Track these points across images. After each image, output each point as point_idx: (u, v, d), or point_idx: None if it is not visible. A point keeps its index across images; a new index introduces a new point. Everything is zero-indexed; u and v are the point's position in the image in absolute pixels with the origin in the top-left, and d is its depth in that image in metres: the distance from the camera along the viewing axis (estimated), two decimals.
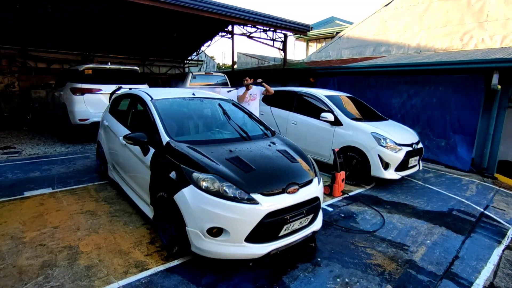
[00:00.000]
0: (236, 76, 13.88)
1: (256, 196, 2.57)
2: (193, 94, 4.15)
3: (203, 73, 11.22)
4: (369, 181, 5.32)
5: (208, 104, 4.19)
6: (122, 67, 8.27)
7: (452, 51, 9.10)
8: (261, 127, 3.94)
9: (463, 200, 4.87)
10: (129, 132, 3.67)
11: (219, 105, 4.04)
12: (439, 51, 9.48)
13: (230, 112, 3.94)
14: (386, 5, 10.98)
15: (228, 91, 6.71)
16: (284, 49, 12.77)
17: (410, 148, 5.19)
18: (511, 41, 8.12)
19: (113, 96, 5.06)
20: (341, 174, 4.72)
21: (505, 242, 3.59)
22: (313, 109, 6.07)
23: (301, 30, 11.90)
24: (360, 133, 5.27)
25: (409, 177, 5.82)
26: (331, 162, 5.66)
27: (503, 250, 3.40)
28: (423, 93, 7.32)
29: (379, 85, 8.15)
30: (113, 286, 2.46)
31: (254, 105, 5.92)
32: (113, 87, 5.70)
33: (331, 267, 2.87)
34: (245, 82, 5.86)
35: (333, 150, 4.85)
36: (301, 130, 6.22)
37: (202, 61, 20.03)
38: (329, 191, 4.75)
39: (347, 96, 6.55)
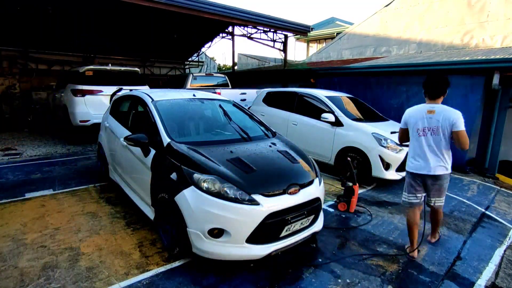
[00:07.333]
0: (237, 77, 13.93)
1: (257, 197, 2.56)
2: (194, 95, 4.16)
3: (204, 74, 11.23)
4: (370, 181, 5.31)
5: (208, 105, 4.19)
6: (122, 68, 8.29)
7: (452, 51, 9.10)
8: (261, 128, 3.93)
9: (464, 200, 4.85)
10: (130, 133, 3.67)
11: (220, 106, 4.05)
12: (440, 51, 9.47)
13: (230, 113, 3.94)
14: (386, 6, 10.99)
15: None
16: (284, 50, 12.79)
17: None
18: (511, 41, 8.12)
19: (114, 98, 5.07)
20: (357, 186, 4.23)
21: (507, 242, 3.57)
22: (313, 110, 6.07)
23: (301, 31, 11.91)
24: (361, 133, 5.26)
25: None
26: (331, 162, 5.66)
27: (505, 250, 3.38)
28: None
29: (379, 86, 8.14)
30: (114, 287, 2.46)
31: None
32: (113, 89, 5.71)
33: (332, 268, 2.87)
34: None
35: (348, 159, 4.32)
36: (301, 131, 6.21)
37: (202, 62, 20.06)
38: (345, 207, 4.20)
39: (348, 97, 6.54)
